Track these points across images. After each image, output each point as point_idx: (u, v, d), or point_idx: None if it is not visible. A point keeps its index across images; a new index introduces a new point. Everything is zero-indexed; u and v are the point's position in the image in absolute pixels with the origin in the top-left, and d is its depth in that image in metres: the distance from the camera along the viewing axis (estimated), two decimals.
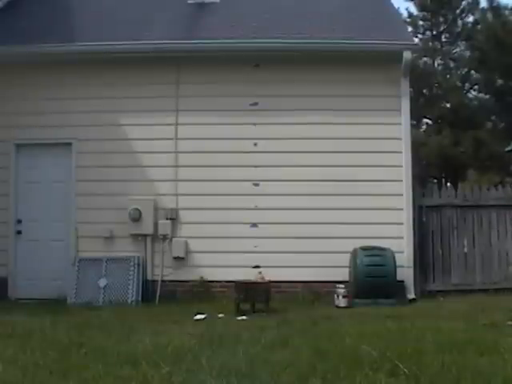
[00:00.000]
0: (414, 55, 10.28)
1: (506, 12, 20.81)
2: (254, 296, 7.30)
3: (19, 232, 9.06)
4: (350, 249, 8.27)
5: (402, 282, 8.44)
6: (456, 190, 9.57)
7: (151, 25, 9.61)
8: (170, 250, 8.79)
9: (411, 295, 8.44)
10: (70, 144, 9.06)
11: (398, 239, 8.53)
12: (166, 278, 8.74)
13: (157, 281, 8.70)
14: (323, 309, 7.37)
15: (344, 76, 8.89)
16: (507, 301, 7.27)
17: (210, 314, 6.80)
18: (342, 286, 7.83)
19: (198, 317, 6.69)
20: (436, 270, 9.00)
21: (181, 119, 9.01)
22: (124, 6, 10.46)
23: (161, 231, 8.81)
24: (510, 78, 20.39)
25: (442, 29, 24.49)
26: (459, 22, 24.20)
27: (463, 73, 23.96)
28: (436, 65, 24.69)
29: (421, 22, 24.78)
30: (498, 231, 9.10)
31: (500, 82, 21.18)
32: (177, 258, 8.78)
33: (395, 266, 8.12)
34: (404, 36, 9.49)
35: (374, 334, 4.83)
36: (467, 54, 23.66)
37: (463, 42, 24.24)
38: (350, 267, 8.24)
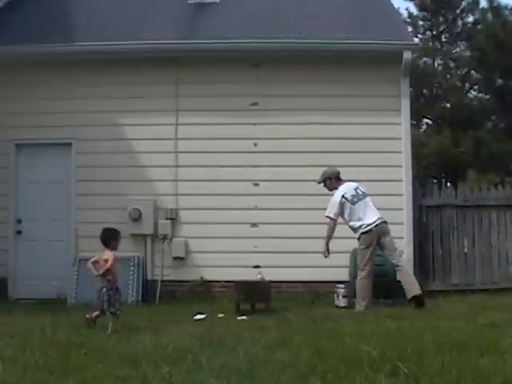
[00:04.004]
0: (414, 55, 10.30)
1: (506, 12, 20.84)
2: (253, 296, 7.29)
3: (19, 232, 9.07)
4: (350, 249, 8.27)
5: None
6: (456, 190, 9.55)
7: (151, 24, 9.61)
8: (169, 250, 8.79)
9: None
10: (69, 144, 9.07)
11: (397, 239, 8.49)
12: (166, 278, 8.75)
13: (157, 281, 8.71)
14: (323, 309, 7.36)
15: (344, 76, 8.90)
16: (507, 301, 7.26)
17: (209, 314, 6.79)
18: (342, 285, 7.83)
19: (198, 317, 6.67)
20: (436, 270, 9.00)
21: (181, 119, 9.01)
22: (124, 5, 10.47)
23: (161, 231, 8.82)
24: (510, 77, 20.40)
25: (441, 29, 24.50)
26: (459, 22, 24.22)
27: (463, 73, 23.97)
28: (436, 65, 24.70)
29: (421, 22, 24.80)
30: (498, 231, 9.11)
31: (500, 81, 21.19)
32: (177, 258, 8.79)
33: None
34: (404, 36, 9.49)
35: (374, 334, 4.82)
36: (467, 54, 23.68)
37: (463, 42, 24.26)
38: (350, 267, 8.24)
